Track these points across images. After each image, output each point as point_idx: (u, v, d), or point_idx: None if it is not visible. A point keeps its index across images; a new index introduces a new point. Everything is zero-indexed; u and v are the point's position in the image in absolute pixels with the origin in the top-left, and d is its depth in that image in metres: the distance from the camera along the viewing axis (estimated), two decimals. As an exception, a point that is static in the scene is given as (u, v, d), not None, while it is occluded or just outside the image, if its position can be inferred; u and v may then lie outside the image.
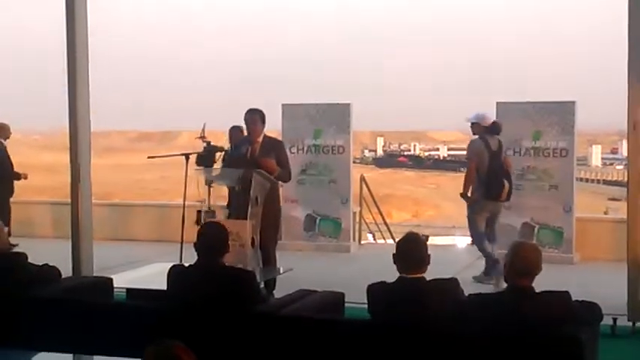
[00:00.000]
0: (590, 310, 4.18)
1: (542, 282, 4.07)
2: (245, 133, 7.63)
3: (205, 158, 7.69)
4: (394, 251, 4.32)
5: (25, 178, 10.10)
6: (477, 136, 8.45)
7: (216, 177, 7.38)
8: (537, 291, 4.00)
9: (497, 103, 9.84)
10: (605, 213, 24.44)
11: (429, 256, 4.27)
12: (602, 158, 72.69)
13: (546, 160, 9.58)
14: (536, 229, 9.60)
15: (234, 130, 9.01)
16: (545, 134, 9.59)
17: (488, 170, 8.27)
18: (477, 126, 8.45)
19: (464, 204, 8.60)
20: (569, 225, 9.51)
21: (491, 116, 8.69)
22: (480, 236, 8.42)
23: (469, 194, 8.40)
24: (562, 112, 9.59)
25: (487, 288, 7.07)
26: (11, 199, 10.19)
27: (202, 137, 7.87)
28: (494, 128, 8.44)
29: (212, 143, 7.82)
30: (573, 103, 9.67)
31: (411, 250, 4.27)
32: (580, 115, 9.61)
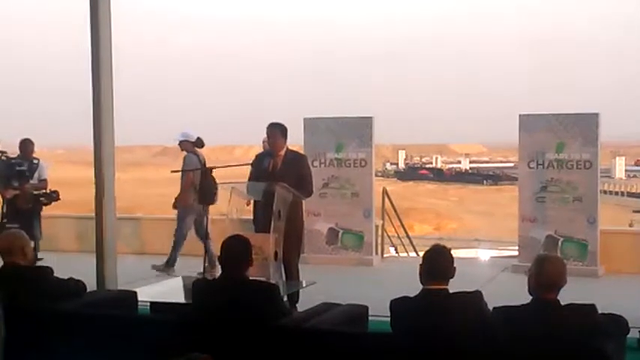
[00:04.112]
0: (616, 323, 4.15)
1: (567, 295, 4.04)
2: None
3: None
4: (420, 262, 4.33)
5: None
6: (185, 152, 9.54)
7: (244, 191, 7.38)
8: (563, 304, 3.98)
9: (520, 115, 9.82)
10: (630, 225, 24.27)
11: (454, 268, 4.27)
12: (626, 170, 72.14)
13: (570, 172, 9.53)
14: (560, 242, 9.54)
15: (23, 144, 9.75)
16: (569, 146, 9.54)
17: (202, 179, 9.18)
18: (185, 143, 9.55)
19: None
20: (593, 238, 9.44)
21: (194, 133, 9.70)
22: (184, 235, 9.64)
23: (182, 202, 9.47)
24: (585, 124, 9.54)
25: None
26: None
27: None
28: (199, 143, 9.58)
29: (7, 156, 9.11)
30: (597, 114, 9.62)
31: (438, 261, 4.28)
32: (603, 127, 9.56)
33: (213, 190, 9.29)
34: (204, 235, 9.37)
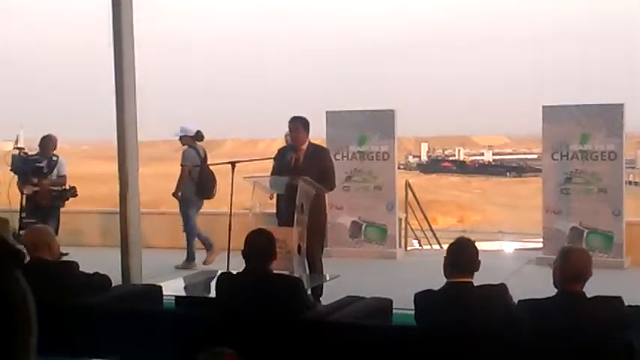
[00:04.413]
0: (643, 316, 4.11)
1: (593, 287, 4.01)
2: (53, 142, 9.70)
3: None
4: (445, 255, 4.32)
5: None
6: (186, 146, 9.56)
7: (267, 185, 7.41)
8: (588, 296, 3.96)
9: (544, 106, 9.75)
10: (656, 216, 24.01)
11: (479, 262, 4.25)
12: (652, 161, 71.41)
13: (594, 163, 9.45)
14: (585, 234, 9.46)
15: (43, 141, 9.85)
16: (593, 137, 9.46)
17: (201, 173, 9.43)
18: (185, 138, 9.59)
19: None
20: (618, 229, 9.36)
21: (194, 127, 9.75)
22: (193, 227, 9.66)
23: (179, 194, 9.55)
24: (610, 115, 9.46)
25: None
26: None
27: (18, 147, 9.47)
28: (199, 136, 9.66)
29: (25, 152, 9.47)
30: (621, 105, 9.53)
31: (462, 254, 4.26)
32: (628, 117, 9.47)
33: (212, 184, 9.49)
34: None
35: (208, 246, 9.58)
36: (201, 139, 9.75)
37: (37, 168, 9.53)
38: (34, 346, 1.89)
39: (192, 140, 9.64)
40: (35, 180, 9.54)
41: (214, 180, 9.57)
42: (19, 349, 1.87)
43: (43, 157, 9.72)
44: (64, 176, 9.86)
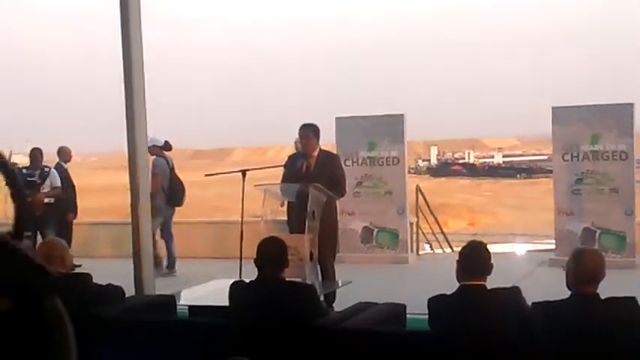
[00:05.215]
0: (658, 316, 4.09)
1: (606, 288, 4.00)
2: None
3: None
4: (457, 259, 4.31)
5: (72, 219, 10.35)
6: (154, 156, 9.69)
7: (278, 192, 7.41)
8: (602, 297, 3.94)
9: (553, 107, 9.75)
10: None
11: (491, 264, 4.24)
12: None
13: (605, 163, 9.44)
14: (597, 234, 9.45)
15: (32, 153, 10.06)
16: (604, 137, 9.45)
17: (170, 182, 9.74)
18: (154, 148, 9.60)
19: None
20: (631, 229, 9.34)
21: (162, 138, 9.97)
22: (171, 233, 9.91)
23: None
24: (620, 115, 9.44)
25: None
26: (74, 221, 10.39)
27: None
28: (167, 146, 9.90)
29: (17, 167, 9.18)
30: (632, 105, 9.52)
31: (474, 257, 4.26)
32: (638, 117, 9.45)
33: (181, 193, 9.73)
34: (168, 236, 9.85)
35: (172, 264, 9.81)
36: (169, 149, 10.00)
37: (28, 182, 9.61)
38: None
39: (160, 150, 9.85)
40: (29, 192, 9.63)
41: (183, 188, 9.82)
42: None
43: (34, 169, 9.86)
44: (58, 187, 9.99)
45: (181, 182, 9.83)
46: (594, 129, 9.49)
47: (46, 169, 9.95)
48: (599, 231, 9.46)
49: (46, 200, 9.81)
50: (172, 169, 9.87)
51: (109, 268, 7.27)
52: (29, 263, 1.96)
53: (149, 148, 9.81)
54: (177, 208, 10.03)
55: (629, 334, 3.82)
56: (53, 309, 1.89)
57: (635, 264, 9.20)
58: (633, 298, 3.96)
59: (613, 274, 4.31)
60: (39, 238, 9.36)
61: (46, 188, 9.86)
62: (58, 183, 9.98)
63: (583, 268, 3.99)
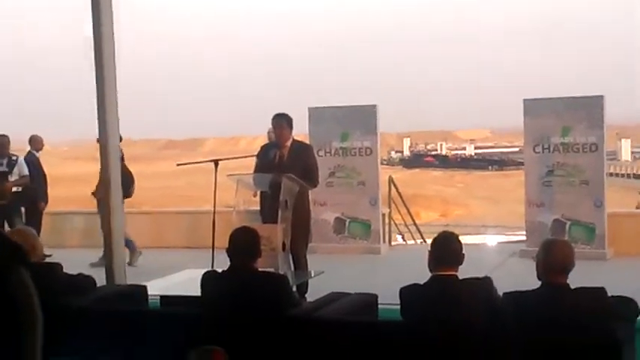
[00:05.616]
0: (627, 306, 4.15)
1: (576, 279, 4.04)
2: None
3: None
4: (429, 249, 4.33)
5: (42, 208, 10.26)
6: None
7: (250, 183, 7.39)
8: (572, 288, 3.98)
9: (525, 99, 9.80)
10: (637, 207, 24.22)
11: (463, 254, 4.27)
12: (632, 152, 71.89)
13: (576, 155, 9.52)
14: (567, 226, 9.53)
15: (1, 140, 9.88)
16: (574, 129, 9.52)
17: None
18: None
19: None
20: (600, 220, 9.43)
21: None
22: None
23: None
24: (590, 107, 9.52)
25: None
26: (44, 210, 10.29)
27: None
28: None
29: None
30: (601, 97, 9.59)
31: (447, 247, 4.28)
32: (608, 109, 9.53)
33: (130, 183, 9.52)
34: None
35: (131, 247, 9.55)
36: (120, 141, 9.85)
37: None
38: (40, 347, 1.88)
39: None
40: None
41: (132, 179, 9.61)
42: (25, 349, 1.86)
43: (1, 157, 9.76)
44: (27, 176, 9.86)
45: (130, 173, 9.59)
46: (565, 121, 9.56)
47: (14, 158, 9.84)
48: (569, 222, 9.54)
49: (14, 189, 9.70)
50: (122, 159, 9.68)
51: (79, 258, 7.24)
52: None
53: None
54: (148, 202, 9.90)
55: (598, 324, 3.86)
56: (18, 280, 1.88)
57: (605, 255, 9.29)
58: (602, 289, 4.00)
59: (582, 265, 4.36)
60: (7, 227, 9.30)
61: (14, 177, 9.74)
62: (26, 172, 9.86)
63: (553, 258, 4.03)
